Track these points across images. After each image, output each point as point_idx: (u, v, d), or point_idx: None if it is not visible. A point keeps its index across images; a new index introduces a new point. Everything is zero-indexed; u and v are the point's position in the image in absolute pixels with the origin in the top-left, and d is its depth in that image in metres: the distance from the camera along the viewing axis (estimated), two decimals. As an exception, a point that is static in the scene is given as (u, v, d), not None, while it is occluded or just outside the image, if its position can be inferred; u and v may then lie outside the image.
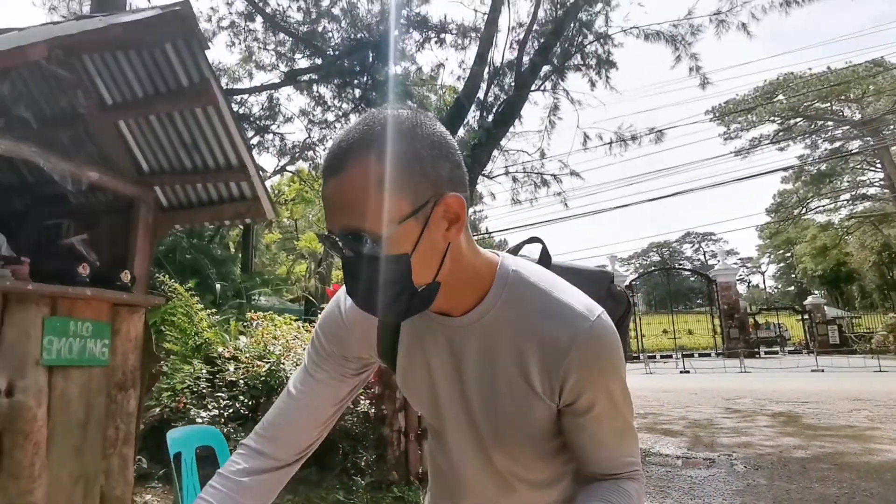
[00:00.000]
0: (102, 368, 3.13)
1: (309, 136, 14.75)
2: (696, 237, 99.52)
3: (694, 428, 8.54)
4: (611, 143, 11.31)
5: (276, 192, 19.87)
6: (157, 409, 4.32)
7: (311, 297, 11.88)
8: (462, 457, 0.94)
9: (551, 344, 0.81)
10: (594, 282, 0.99)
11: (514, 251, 1.01)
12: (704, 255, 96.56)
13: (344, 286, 0.81)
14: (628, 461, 0.88)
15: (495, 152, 11.87)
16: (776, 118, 33.12)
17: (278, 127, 12.78)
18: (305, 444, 1.01)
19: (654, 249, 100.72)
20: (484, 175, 11.83)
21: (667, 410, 10.79)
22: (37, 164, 2.87)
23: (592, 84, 11.74)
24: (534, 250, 1.03)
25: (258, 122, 12.03)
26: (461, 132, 11.97)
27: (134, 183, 3.51)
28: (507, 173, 12.45)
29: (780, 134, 34.10)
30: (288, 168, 17.74)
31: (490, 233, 29.17)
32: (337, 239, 0.73)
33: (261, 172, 3.58)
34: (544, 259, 0.99)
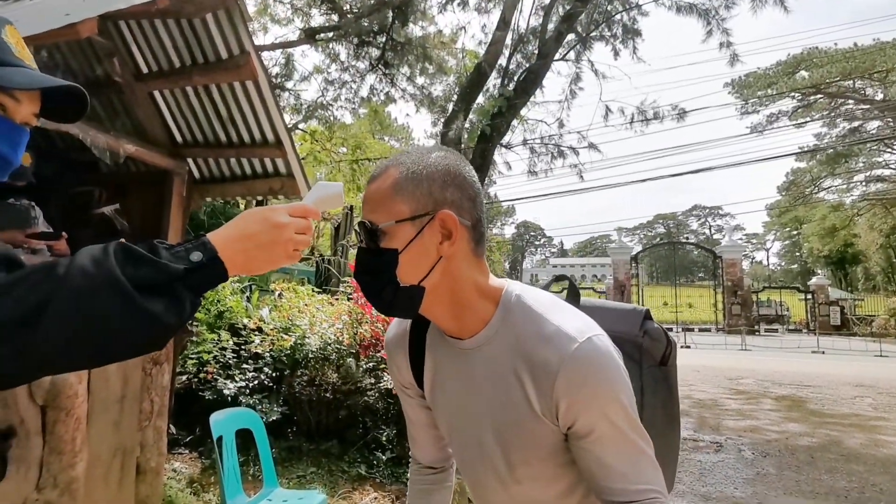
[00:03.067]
0: (138, 343, 3.14)
1: (323, 96, 14.51)
2: (704, 211, 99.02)
3: (699, 408, 8.65)
4: (632, 118, 11.07)
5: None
6: (185, 378, 4.37)
7: (321, 260, 11.86)
8: (479, 477, 0.99)
9: (543, 367, 0.84)
10: (627, 319, 1.01)
11: (545, 288, 1.06)
12: (710, 228, 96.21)
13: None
14: (644, 489, 0.84)
15: (514, 122, 11.66)
16: (796, 93, 32.38)
17: (294, 85, 12.50)
18: (445, 452, 1.15)
19: (660, 221, 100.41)
20: (502, 145, 11.65)
21: (671, 388, 10.93)
22: (76, 136, 2.80)
23: (616, 53, 11.42)
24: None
25: (273, 79, 11.77)
26: (481, 99, 11.72)
27: (168, 155, 3.45)
28: (525, 144, 12.24)
29: (799, 111, 33.41)
30: (300, 126, 17.48)
31: (500, 200, 29.00)
32: (358, 229, 0.90)
33: (296, 147, 3.50)
34: (573, 295, 1.02)
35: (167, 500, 3.30)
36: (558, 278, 1.12)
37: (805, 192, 40.42)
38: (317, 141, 17.04)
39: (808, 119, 33.49)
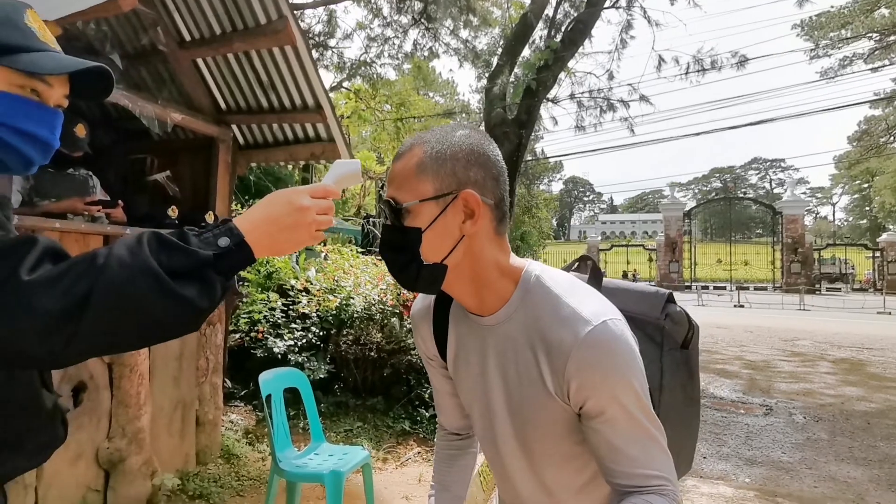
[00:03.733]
0: (193, 305, 3.31)
1: (366, 52, 14.38)
2: (764, 163, 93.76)
3: (750, 370, 8.46)
4: (688, 68, 10.47)
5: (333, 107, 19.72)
6: (238, 336, 4.59)
7: (366, 221, 12.02)
8: (496, 449, 1.00)
9: (557, 347, 0.85)
10: (648, 302, 1.01)
11: (567, 269, 1.08)
12: (770, 182, 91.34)
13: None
14: (653, 474, 0.84)
15: (561, 75, 11.25)
16: (874, 34, 29.70)
17: (337, 43, 12.42)
18: (466, 419, 1.17)
19: (717, 175, 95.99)
20: (548, 100, 11.29)
21: (721, 348, 10.70)
22: (126, 107, 2.90)
23: (672, -2, 10.73)
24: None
25: (316, 37, 11.72)
26: (526, 52, 11.34)
27: (213, 122, 3.52)
28: (572, 98, 11.82)
29: (877, 53, 30.71)
30: (345, 85, 17.45)
31: (547, 157, 28.36)
32: (383, 207, 0.90)
33: (336, 112, 3.51)
34: (595, 276, 1.03)
35: (224, 449, 3.54)
36: (582, 258, 1.11)
37: (879, 141, 37.59)
38: (361, 99, 16.99)
39: (886, 63, 30.78)
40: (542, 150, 32.71)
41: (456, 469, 1.19)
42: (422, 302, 1.11)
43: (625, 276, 34.96)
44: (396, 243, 0.88)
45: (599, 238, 41.57)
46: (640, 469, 0.84)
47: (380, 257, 5.74)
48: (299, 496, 2.88)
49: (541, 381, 0.88)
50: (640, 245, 44.18)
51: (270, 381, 2.72)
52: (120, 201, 2.96)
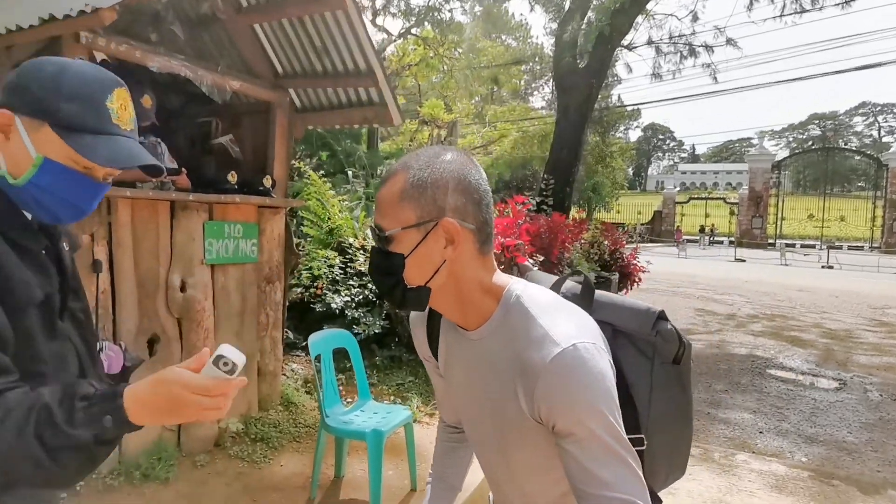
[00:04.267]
0: (253, 265, 3.52)
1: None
2: (874, 108, 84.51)
3: (828, 339, 7.99)
4: (783, 8, 9.48)
5: (401, 54, 19.51)
6: (299, 290, 4.85)
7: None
8: (483, 452, 1.06)
9: (528, 369, 0.87)
10: (639, 319, 1.00)
11: (557, 285, 1.08)
12: (879, 130, 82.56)
13: None
14: (623, 498, 0.83)
15: (639, 18, 10.52)
16: None
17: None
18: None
19: (815, 122, 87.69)
20: (623, 46, 10.65)
21: (799, 314, 10.13)
22: (186, 75, 3.03)
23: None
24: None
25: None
26: (602, -6, 10.64)
27: (271, 87, 3.61)
28: (650, 43, 11.07)
29: None
30: (413, 31, 17.17)
31: (623, 105, 26.93)
32: (370, 231, 0.96)
33: (389, 75, 3.50)
34: (586, 293, 1.04)
35: (284, 397, 3.82)
36: (575, 273, 1.12)
37: None
38: (429, 46, 16.70)
39: None
40: (619, 97, 31.09)
41: (453, 460, 1.25)
42: None
43: (702, 230, 33.31)
44: (382, 267, 0.93)
45: (677, 189, 39.60)
46: (609, 492, 0.83)
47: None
48: (346, 449, 3.10)
49: (516, 400, 0.90)
50: (720, 198, 41.74)
51: (319, 341, 2.89)
52: (183, 169, 3.14)
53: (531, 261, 5.27)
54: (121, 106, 0.98)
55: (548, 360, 0.84)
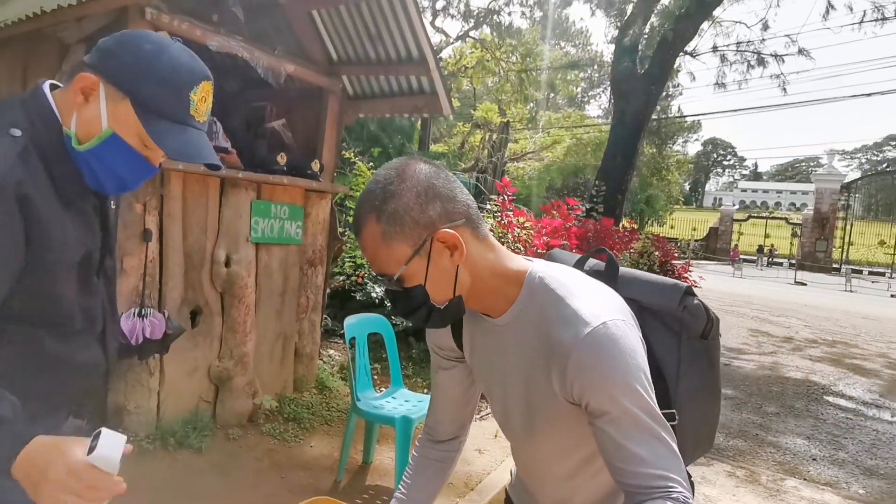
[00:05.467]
0: (296, 246, 3.56)
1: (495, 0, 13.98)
2: (959, 131, 78.61)
3: (894, 370, 7.46)
4: (863, 17, 8.94)
5: (457, 56, 19.57)
6: (342, 278, 4.89)
7: (480, 173, 12.00)
8: (513, 436, 1.06)
9: (559, 348, 0.86)
10: (665, 295, 0.99)
11: (580, 263, 1.08)
12: (965, 155, 76.79)
13: None
14: (660, 474, 0.83)
15: (704, 24, 10.16)
16: None
17: (464, -9, 12.18)
18: (461, 420, 1.20)
19: (893, 143, 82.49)
20: (685, 52, 10.31)
21: (863, 342, 9.52)
22: (243, 57, 3.09)
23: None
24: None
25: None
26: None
27: (325, 73, 3.66)
28: (715, 50, 10.68)
29: None
30: (472, 34, 17.19)
31: (683, 115, 26.13)
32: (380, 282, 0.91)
33: (440, 64, 3.49)
34: (610, 270, 1.03)
35: (319, 381, 3.85)
36: (598, 251, 1.11)
37: None
38: (486, 49, 16.65)
39: None
40: (679, 108, 30.22)
41: (425, 481, 1.19)
42: None
43: (760, 250, 31.86)
44: (409, 305, 0.91)
45: (735, 207, 38.05)
46: (647, 469, 0.83)
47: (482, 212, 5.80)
48: (376, 434, 3.08)
49: (547, 380, 0.90)
50: (782, 218, 39.88)
51: (354, 324, 2.88)
52: (233, 149, 3.21)
53: (576, 263, 5.14)
54: (202, 98, 0.99)
55: (579, 338, 0.84)
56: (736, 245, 31.02)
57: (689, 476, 0.99)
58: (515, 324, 0.94)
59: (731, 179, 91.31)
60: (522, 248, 4.80)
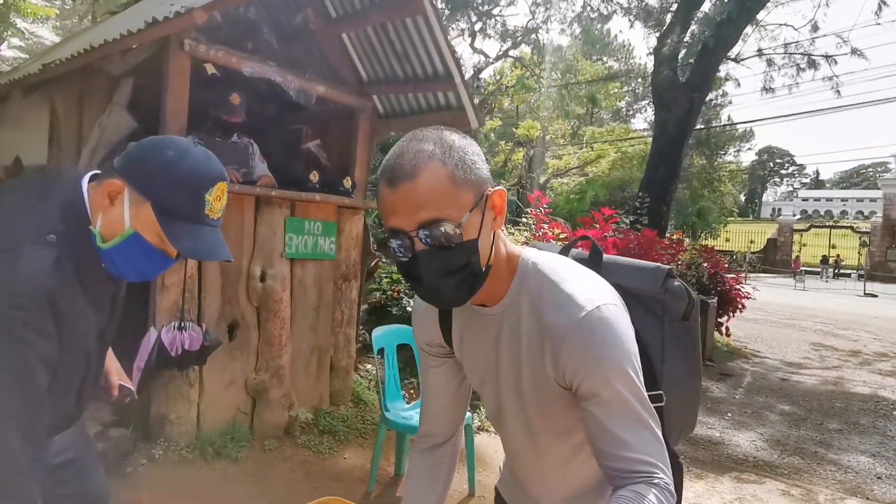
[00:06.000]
0: (330, 262, 3.65)
1: (533, 18, 14.09)
2: None
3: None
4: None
5: (498, 76, 19.75)
6: (378, 293, 4.96)
7: (519, 188, 11.96)
8: (506, 426, 1.06)
9: (553, 332, 0.87)
10: (648, 277, 1.02)
11: (565, 250, 1.09)
12: None
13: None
14: (643, 459, 0.84)
15: (748, 28, 9.89)
16: None
17: (500, 12, 12.35)
18: (455, 420, 1.20)
19: (970, 144, 77.14)
20: (729, 58, 10.05)
21: (940, 356, 8.81)
22: (276, 80, 3.24)
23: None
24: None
25: (480, 6, 11.76)
26: (707, 5, 10.17)
27: (355, 93, 3.78)
28: (760, 55, 10.35)
29: None
30: (510, 53, 17.35)
31: (733, 123, 25.31)
32: (414, 234, 0.82)
33: (466, 79, 3.54)
34: (594, 256, 1.05)
35: (355, 394, 3.90)
36: (582, 238, 1.16)
37: None
38: (525, 67, 16.76)
39: None
40: (729, 117, 29.32)
41: (432, 490, 1.17)
42: None
43: (824, 261, 30.16)
44: (455, 264, 0.84)
45: (795, 217, 36.28)
46: (630, 453, 0.84)
47: (517, 226, 5.67)
48: (407, 446, 3.08)
49: (541, 364, 0.91)
50: (848, 227, 37.73)
51: (382, 335, 2.92)
52: (268, 170, 3.35)
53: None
54: (217, 198, 1.11)
55: (574, 322, 0.85)
56: (797, 256, 29.48)
57: (677, 456, 1.01)
58: (509, 311, 0.94)
59: (791, 189, 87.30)
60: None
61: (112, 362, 1.50)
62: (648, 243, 5.98)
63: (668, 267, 1.02)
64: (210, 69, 3.50)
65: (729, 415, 5.11)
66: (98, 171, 1.16)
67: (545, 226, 5.11)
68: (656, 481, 0.82)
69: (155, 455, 2.78)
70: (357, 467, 3.12)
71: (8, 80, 3.62)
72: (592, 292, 0.88)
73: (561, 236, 5.24)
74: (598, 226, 5.75)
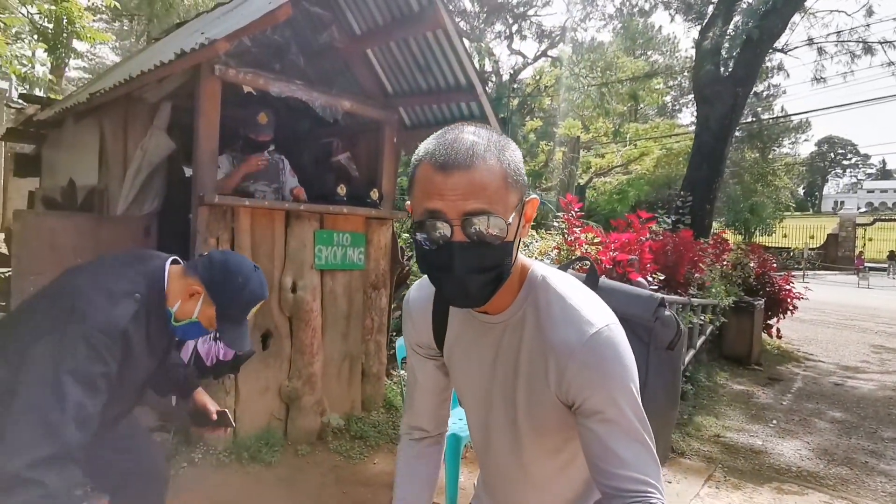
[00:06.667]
0: (360, 271, 3.76)
1: (570, 16, 13.93)
2: None
3: None
4: None
5: (537, 77, 19.61)
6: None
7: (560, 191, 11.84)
8: (490, 441, 1.06)
9: (562, 347, 0.88)
10: (641, 305, 1.04)
11: (564, 268, 1.10)
12: None
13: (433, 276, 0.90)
14: (641, 479, 0.85)
15: (795, 17, 9.48)
16: None
17: (535, 13, 12.29)
18: (440, 417, 1.22)
19: None
20: (776, 49, 9.65)
21: None
22: (302, 98, 3.37)
23: None
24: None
25: (516, 8, 11.73)
26: (750, -4, 9.81)
27: (381, 106, 3.87)
28: (810, 43, 9.90)
29: None
30: (549, 53, 17.20)
31: (787, 115, 24.24)
32: (457, 223, 0.81)
33: (487, 90, 3.58)
34: (591, 278, 1.07)
35: (387, 400, 3.98)
36: (580, 259, 1.18)
37: None
38: (564, 66, 16.58)
39: None
40: (783, 108, 28.09)
41: (422, 482, 1.20)
42: (420, 291, 1.13)
43: (891, 256, 28.42)
44: (489, 263, 0.84)
45: (857, 210, 34.32)
46: (629, 472, 0.86)
47: (549, 230, 5.64)
48: (433, 452, 3.13)
49: (543, 377, 0.92)
50: (919, 220, 35.43)
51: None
52: (299, 184, 3.48)
53: (650, 278, 4.95)
54: (256, 310, 1.72)
55: (584, 338, 0.87)
56: (861, 252, 27.91)
57: None
58: (512, 322, 0.95)
59: (854, 180, 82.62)
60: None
61: (204, 396, 1.94)
62: (686, 245, 5.83)
63: (661, 296, 1.05)
64: (246, 87, 3.67)
65: (774, 422, 4.93)
66: (177, 259, 1.70)
67: (577, 230, 5.06)
68: (653, 501, 0.84)
69: (195, 459, 2.94)
70: (386, 472, 3.20)
71: (61, 108, 3.89)
72: (600, 311, 0.91)
73: (595, 241, 5.18)
74: (632, 229, 5.66)
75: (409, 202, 0.92)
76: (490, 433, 1.05)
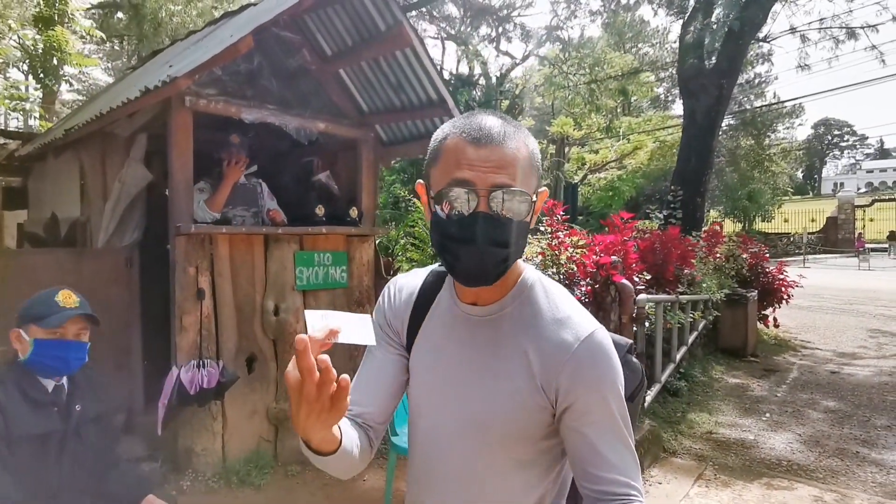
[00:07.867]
0: (343, 289, 3.79)
1: (556, 15, 13.97)
2: None
3: None
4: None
5: (526, 77, 19.65)
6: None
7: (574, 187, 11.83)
8: (443, 448, 0.98)
9: (556, 346, 0.90)
10: None
11: None
12: None
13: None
14: (625, 482, 0.87)
15: (776, 5, 9.50)
16: None
17: (518, 15, 12.33)
18: (383, 409, 1.03)
19: None
20: (758, 39, 9.67)
21: None
22: (274, 123, 3.41)
23: None
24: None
25: (498, 13, 11.77)
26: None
27: (356, 125, 3.92)
28: (792, 32, 9.92)
29: None
30: (536, 53, 17.25)
31: (782, 101, 24.19)
32: (484, 194, 0.83)
33: (458, 106, 3.60)
34: None
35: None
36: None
37: None
38: (552, 65, 16.61)
39: None
40: (775, 94, 28.05)
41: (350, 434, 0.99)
42: (409, 279, 1.08)
43: (892, 236, 28.34)
44: (508, 238, 0.86)
45: (856, 192, 34.20)
46: (615, 475, 0.88)
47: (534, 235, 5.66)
48: (420, 467, 3.16)
49: (528, 375, 0.91)
50: (918, 198, 35.29)
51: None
52: (276, 208, 3.52)
53: (636, 278, 4.98)
54: (65, 298, 1.75)
55: (580, 339, 0.90)
56: (860, 233, 27.82)
57: None
58: (498, 318, 0.95)
59: (853, 161, 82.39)
60: (577, 270, 4.73)
61: (157, 501, 1.85)
62: (673, 242, 5.85)
63: (629, 342, 1.05)
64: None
65: (767, 415, 4.95)
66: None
67: (561, 234, 5.09)
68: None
69: (183, 486, 2.98)
70: (375, 489, 3.23)
71: (41, 144, 3.94)
72: (590, 317, 0.95)
73: (580, 243, 5.20)
74: (618, 228, 5.68)
75: (420, 181, 0.94)
76: (445, 442, 0.97)
